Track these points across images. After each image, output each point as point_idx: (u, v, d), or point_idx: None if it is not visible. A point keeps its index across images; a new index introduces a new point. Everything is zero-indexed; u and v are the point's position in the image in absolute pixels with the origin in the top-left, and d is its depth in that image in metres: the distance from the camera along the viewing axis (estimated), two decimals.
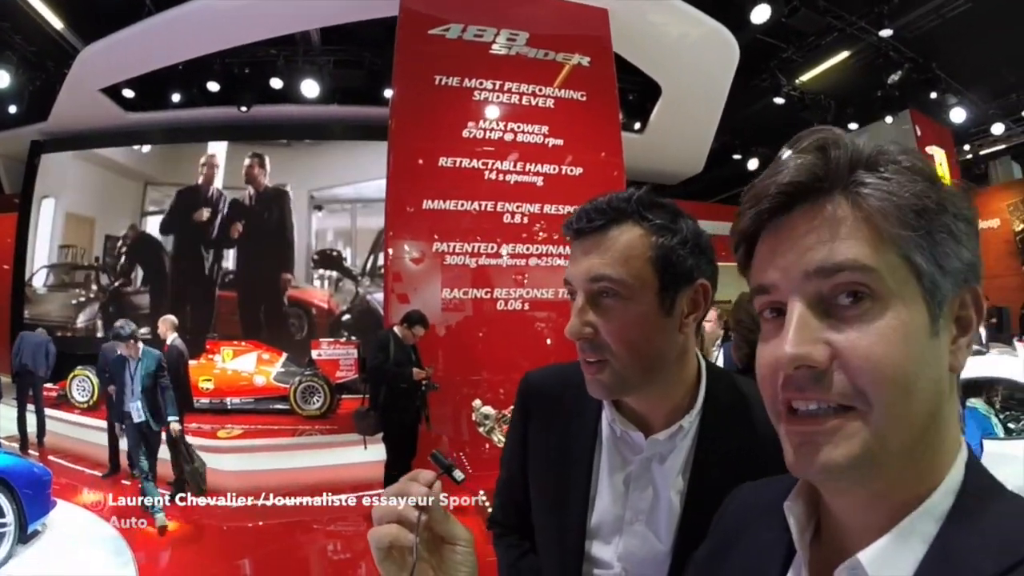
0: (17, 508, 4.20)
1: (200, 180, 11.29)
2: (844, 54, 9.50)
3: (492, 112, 5.89)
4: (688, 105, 9.47)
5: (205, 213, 11.16)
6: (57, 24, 8.66)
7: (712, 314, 3.80)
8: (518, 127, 5.89)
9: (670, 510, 0.87)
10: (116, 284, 11.19)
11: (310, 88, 9.15)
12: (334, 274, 10.90)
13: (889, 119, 10.30)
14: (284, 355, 9.21)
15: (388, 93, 9.49)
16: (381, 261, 10.68)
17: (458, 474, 0.66)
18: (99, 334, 10.85)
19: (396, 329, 4.69)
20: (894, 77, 9.49)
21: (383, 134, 10.16)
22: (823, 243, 0.44)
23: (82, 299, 11.35)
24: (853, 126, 10.65)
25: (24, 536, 4.26)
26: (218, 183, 11.26)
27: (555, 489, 0.98)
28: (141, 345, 4.72)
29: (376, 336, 5.04)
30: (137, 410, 4.68)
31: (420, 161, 5.68)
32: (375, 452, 6.54)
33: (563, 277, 0.87)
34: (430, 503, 0.62)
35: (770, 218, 0.47)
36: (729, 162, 12.21)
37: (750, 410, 0.88)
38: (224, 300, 10.88)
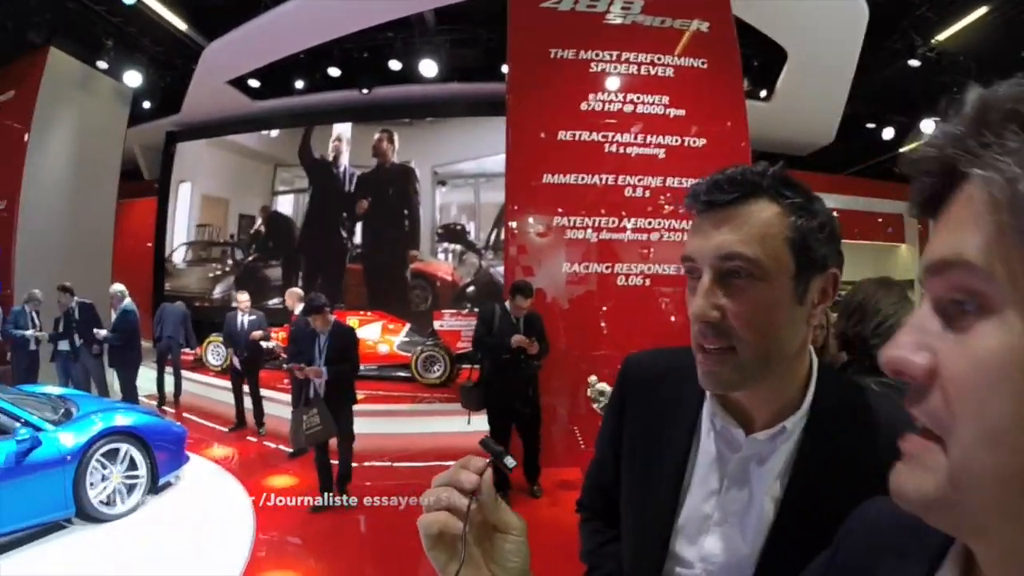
0: (150, 462, 4.63)
1: (330, 156, 11.81)
2: (983, 9, 8.45)
3: (610, 83, 5.74)
4: (816, 70, 8.83)
5: (337, 188, 11.75)
6: (181, 25, 9.23)
7: None
8: (638, 98, 5.71)
9: (761, 515, 0.81)
10: (250, 259, 11.97)
11: (428, 68, 9.24)
12: (458, 247, 11.11)
13: None
14: (407, 325, 9.53)
15: (505, 69, 9.59)
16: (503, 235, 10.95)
17: (509, 461, 0.64)
18: (234, 304, 11.82)
19: (507, 303, 4.67)
20: None
21: (501, 109, 10.38)
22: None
23: (218, 273, 12.24)
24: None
25: (156, 488, 4.70)
26: (344, 161, 11.78)
27: (645, 480, 0.93)
28: (333, 317, 4.62)
29: (483, 308, 5.01)
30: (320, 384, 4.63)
31: (540, 135, 5.64)
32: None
33: (685, 253, 0.79)
34: (481, 490, 0.60)
35: None
36: (863, 131, 11.28)
37: (863, 418, 0.80)
38: (352, 272, 11.36)
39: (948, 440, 0.36)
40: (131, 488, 4.51)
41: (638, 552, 0.94)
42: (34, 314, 7.02)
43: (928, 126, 10.93)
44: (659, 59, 5.83)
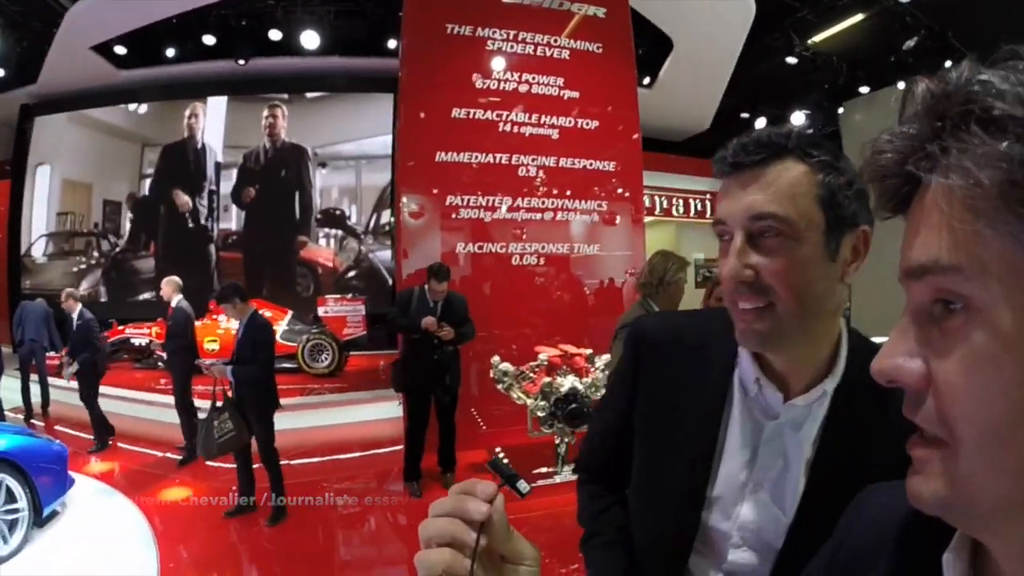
0: (30, 491, 3.97)
1: (185, 135, 11.16)
2: (859, 16, 9.24)
3: (506, 62, 5.70)
4: (700, 61, 9.28)
5: (194, 170, 11.07)
6: None
7: None
8: (533, 78, 5.71)
9: (797, 480, 0.82)
10: (117, 250, 11.12)
11: (310, 39, 8.88)
12: (339, 232, 10.85)
13: (901, 85, 10.04)
14: (289, 313, 9.08)
15: (392, 44, 9.32)
16: (384, 219, 10.67)
17: (523, 485, 0.56)
18: (103, 299, 10.82)
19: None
20: (909, 43, 9.22)
21: (387, 86, 10.20)
22: None
23: (83, 266, 11.28)
24: (864, 90, 10.50)
25: (40, 520, 4.06)
26: (211, 139, 11.08)
27: (669, 447, 0.92)
28: (251, 308, 4.26)
29: (402, 291, 4.86)
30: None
31: (432, 112, 5.51)
32: (386, 410, 6.57)
33: (716, 216, 0.80)
34: (493, 520, 0.53)
35: None
36: (736, 121, 12.01)
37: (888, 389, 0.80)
38: (228, 261, 10.83)
39: (952, 442, 0.36)
40: (12, 524, 3.85)
41: (668, 520, 0.91)
42: None
43: (798, 118, 11.87)
44: (555, 41, 5.86)
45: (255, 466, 4.35)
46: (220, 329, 8.49)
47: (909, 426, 0.40)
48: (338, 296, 9.54)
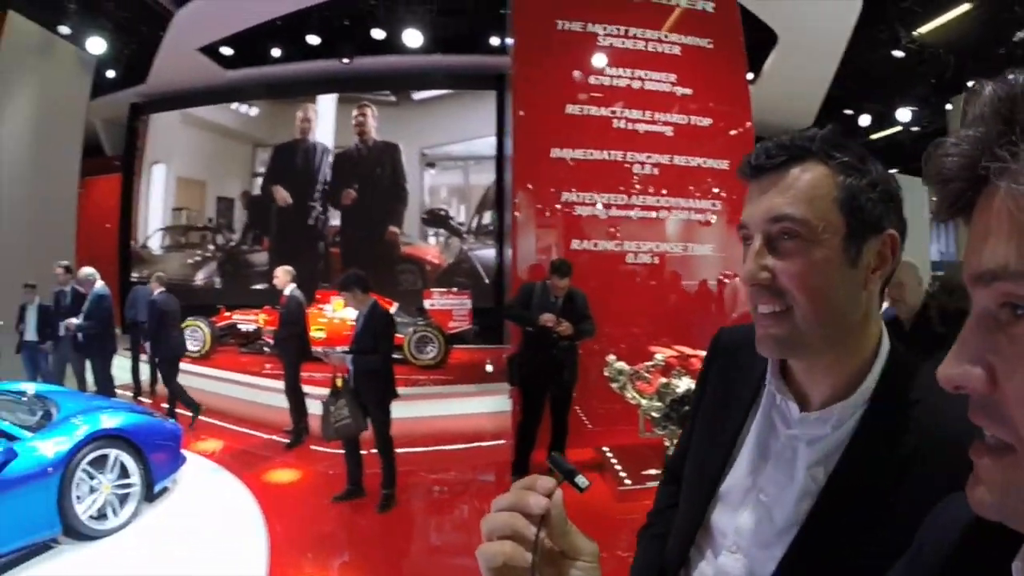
0: (144, 468, 4.11)
1: (297, 135, 11.58)
2: (966, 6, 8.68)
3: (618, 58, 5.64)
4: (804, 55, 8.97)
5: (304, 168, 11.49)
6: None
7: None
8: (645, 75, 5.63)
9: (798, 497, 0.77)
10: (232, 244, 11.75)
11: (413, 37, 8.99)
12: (443, 231, 11.15)
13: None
14: (395, 305, 9.14)
15: (494, 40, 9.40)
16: (486, 220, 10.89)
17: (581, 480, 0.58)
18: (217, 286, 11.53)
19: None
20: (1020, 34, 8.62)
21: (488, 82, 10.27)
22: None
23: (198, 258, 11.94)
24: (972, 84, 9.85)
25: (151, 495, 4.20)
26: (321, 137, 11.50)
27: (704, 447, 0.94)
28: (370, 299, 4.38)
29: (524, 284, 4.87)
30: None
31: (545, 109, 5.50)
32: (490, 403, 6.68)
33: (740, 220, 0.78)
34: (552, 515, 0.55)
35: None
36: (840, 116, 11.51)
37: (928, 421, 0.72)
38: (335, 256, 11.25)
39: (1020, 447, 0.36)
40: (123, 499, 3.98)
41: (683, 515, 0.94)
42: None
43: (903, 114, 11.26)
44: (665, 36, 5.77)
45: (369, 452, 4.42)
46: (324, 318, 8.75)
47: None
48: (444, 290, 9.67)
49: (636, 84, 5.61)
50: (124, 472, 4.02)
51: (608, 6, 5.68)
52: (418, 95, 11.22)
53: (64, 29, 8.94)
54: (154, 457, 4.18)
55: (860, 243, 0.74)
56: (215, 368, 8.51)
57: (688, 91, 5.70)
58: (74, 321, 6.17)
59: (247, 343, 9.78)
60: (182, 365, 6.44)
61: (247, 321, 9.52)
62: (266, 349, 8.83)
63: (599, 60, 5.59)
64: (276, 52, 10.27)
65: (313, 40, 9.83)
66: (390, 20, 9.17)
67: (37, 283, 6.71)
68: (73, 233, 9.50)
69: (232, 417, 6.66)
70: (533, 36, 5.67)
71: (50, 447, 3.64)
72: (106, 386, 6.35)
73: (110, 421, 4.05)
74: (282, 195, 11.40)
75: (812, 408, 0.79)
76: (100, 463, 3.87)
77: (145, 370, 7.53)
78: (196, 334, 9.11)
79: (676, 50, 5.76)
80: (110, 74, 10.66)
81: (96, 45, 9.01)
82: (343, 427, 4.19)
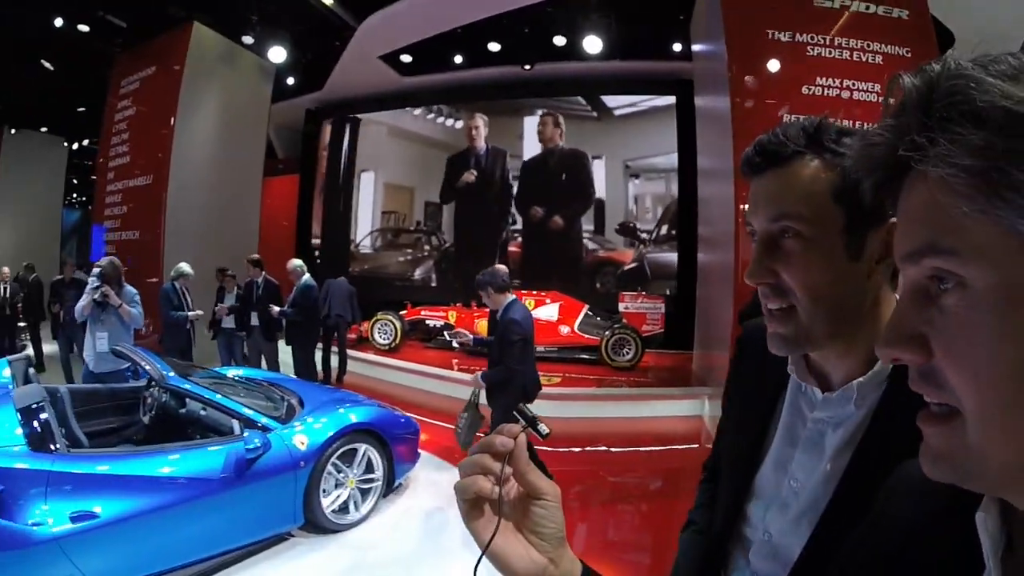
0: (388, 462, 4.02)
1: (468, 143, 12.18)
2: None
3: (827, 68, 5.60)
4: (981, 55, 7.35)
5: (472, 175, 12.11)
6: None
7: None
8: (853, 84, 5.54)
9: (826, 484, 0.77)
10: (446, 245, 12.63)
11: (592, 44, 8.79)
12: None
13: None
14: (585, 307, 9.30)
15: (676, 47, 9.13)
16: (663, 231, 11.08)
17: (543, 428, 0.65)
18: (433, 284, 12.52)
19: None
20: None
21: (670, 88, 10.42)
22: None
23: (409, 257, 12.88)
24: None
25: (388, 489, 4.11)
26: (480, 145, 12.06)
27: (735, 440, 0.95)
28: (509, 297, 4.09)
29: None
30: None
31: (762, 119, 5.51)
32: (685, 407, 6.65)
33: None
34: (515, 454, 0.61)
35: None
36: None
37: None
38: (512, 255, 11.72)
39: (963, 409, 0.37)
40: (364, 493, 3.91)
41: (720, 508, 0.95)
42: (184, 291, 6.50)
43: None
44: (868, 45, 5.65)
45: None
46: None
47: None
48: (634, 293, 9.66)
49: (845, 95, 5.56)
50: (370, 466, 3.97)
51: (813, 16, 5.68)
52: (620, 111, 11.34)
53: (247, 39, 9.33)
54: (397, 450, 4.11)
55: (862, 235, 0.73)
56: (398, 359, 8.68)
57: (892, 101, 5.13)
58: (277, 309, 6.40)
59: (430, 338, 10.00)
60: (372, 356, 6.74)
61: (435, 317, 9.77)
62: (454, 345, 8.89)
63: (810, 70, 5.59)
64: (458, 59, 10.29)
65: (494, 47, 9.79)
66: (570, 27, 8.96)
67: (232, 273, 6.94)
68: (256, 229, 9.98)
69: (426, 410, 6.53)
70: (747, 46, 5.74)
71: (303, 440, 3.55)
72: (307, 373, 6.59)
73: (359, 414, 3.99)
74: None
75: (834, 390, 0.80)
76: (348, 456, 3.82)
77: (334, 360, 7.86)
78: (386, 328, 9.40)
79: (879, 59, 5.62)
80: (290, 81, 11.06)
81: (277, 54, 9.32)
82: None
